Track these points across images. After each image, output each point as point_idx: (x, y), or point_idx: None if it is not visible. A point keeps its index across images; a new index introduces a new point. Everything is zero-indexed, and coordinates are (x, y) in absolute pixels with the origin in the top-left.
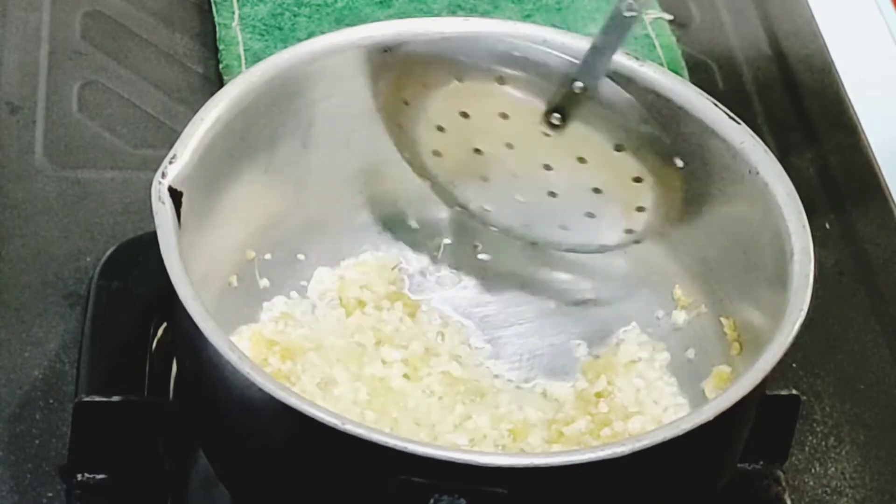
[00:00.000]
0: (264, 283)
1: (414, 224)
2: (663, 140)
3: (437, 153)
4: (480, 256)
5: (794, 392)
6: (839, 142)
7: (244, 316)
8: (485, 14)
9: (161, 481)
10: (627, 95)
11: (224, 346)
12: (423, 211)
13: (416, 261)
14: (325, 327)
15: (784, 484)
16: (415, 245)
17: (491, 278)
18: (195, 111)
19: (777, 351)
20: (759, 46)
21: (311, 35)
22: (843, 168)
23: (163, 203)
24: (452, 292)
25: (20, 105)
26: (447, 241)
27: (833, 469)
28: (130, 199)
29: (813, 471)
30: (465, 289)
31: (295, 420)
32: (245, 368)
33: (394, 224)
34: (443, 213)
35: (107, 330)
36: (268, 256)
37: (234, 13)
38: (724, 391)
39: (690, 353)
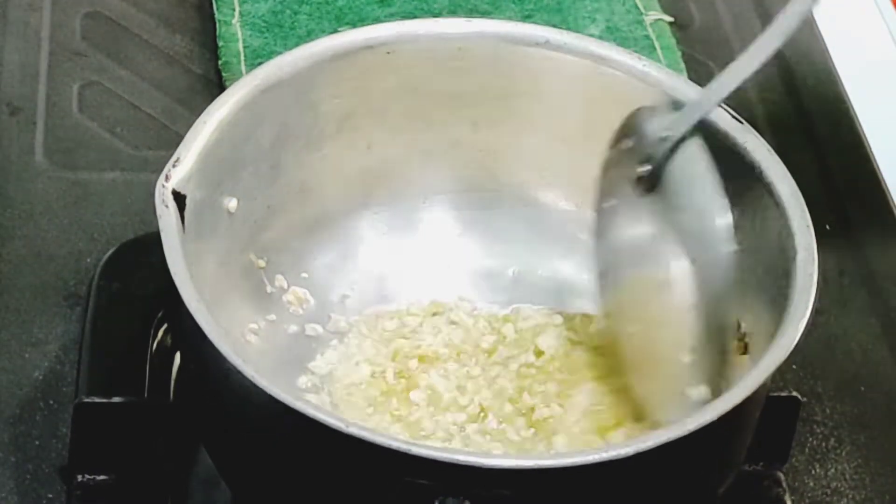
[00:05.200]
0: (268, 284)
1: (420, 225)
2: None
3: None
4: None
5: (795, 393)
6: (839, 142)
7: (247, 317)
8: (485, 14)
9: (161, 482)
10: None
11: (229, 350)
12: (427, 210)
13: (420, 260)
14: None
15: (784, 485)
16: (420, 245)
17: (492, 278)
18: (195, 112)
19: (781, 352)
20: None
21: (311, 33)
22: (843, 168)
23: (166, 207)
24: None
25: (20, 106)
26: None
27: (833, 470)
28: (131, 199)
29: (813, 472)
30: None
31: (299, 422)
32: (249, 372)
33: (399, 225)
34: (448, 213)
35: (107, 331)
36: (272, 258)
37: (234, 10)
38: (728, 392)
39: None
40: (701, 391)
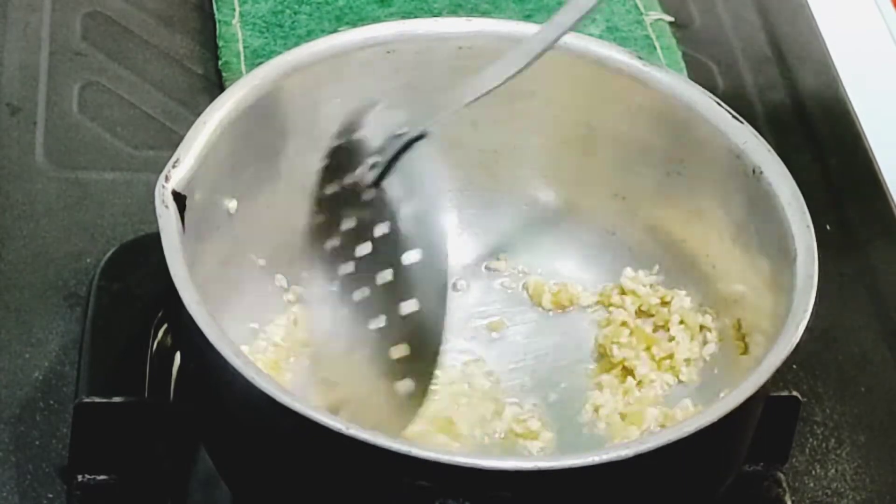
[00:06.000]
0: (269, 284)
1: None
2: None
3: None
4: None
5: (795, 394)
6: (839, 142)
7: (247, 317)
8: (485, 14)
9: (161, 482)
10: None
11: (228, 351)
12: None
13: None
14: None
15: (784, 485)
16: None
17: (494, 278)
18: (196, 112)
19: (781, 353)
20: (759, 47)
21: (311, 33)
22: (843, 168)
23: (166, 207)
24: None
25: (20, 106)
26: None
27: (833, 471)
28: (131, 200)
29: (813, 472)
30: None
31: (299, 424)
32: (249, 373)
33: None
34: (448, 212)
35: (107, 331)
36: (272, 258)
37: (234, 10)
38: (729, 393)
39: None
40: (406, 384)
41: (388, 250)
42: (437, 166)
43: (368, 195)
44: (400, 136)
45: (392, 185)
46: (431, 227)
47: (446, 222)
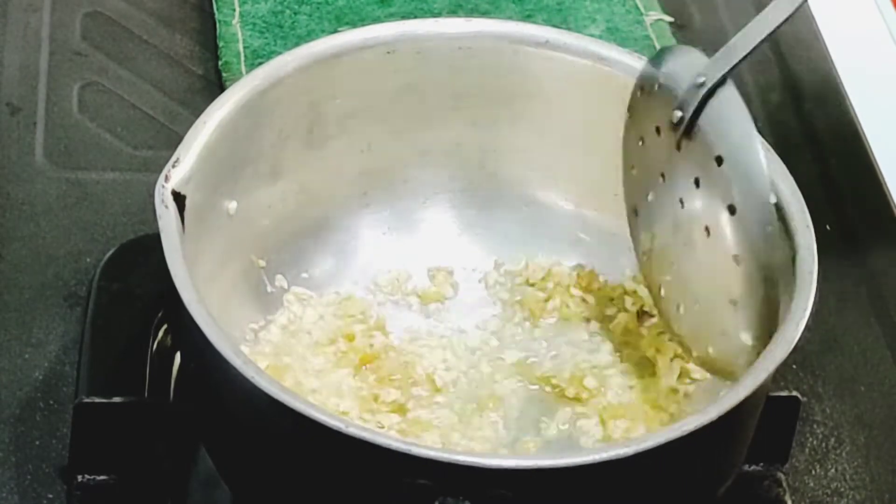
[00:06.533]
0: (268, 284)
1: (420, 225)
2: None
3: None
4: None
5: (795, 394)
6: (839, 142)
7: (247, 317)
8: (485, 14)
9: (161, 482)
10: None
11: (228, 350)
12: (427, 210)
13: (420, 260)
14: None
15: (784, 485)
16: (421, 247)
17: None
18: (195, 113)
19: (781, 351)
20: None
21: (311, 33)
22: (843, 169)
23: (166, 207)
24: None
25: (20, 106)
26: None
27: (833, 470)
28: (131, 200)
29: (813, 472)
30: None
31: (299, 423)
32: (249, 373)
33: (399, 225)
34: (448, 212)
35: (107, 331)
36: (272, 258)
37: (234, 10)
38: (729, 392)
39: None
40: (745, 337)
41: (706, 201)
42: (741, 111)
43: (679, 148)
44: (700, 85)
45: (700, 136)
46: (747, 173)
47: (762, 161)
